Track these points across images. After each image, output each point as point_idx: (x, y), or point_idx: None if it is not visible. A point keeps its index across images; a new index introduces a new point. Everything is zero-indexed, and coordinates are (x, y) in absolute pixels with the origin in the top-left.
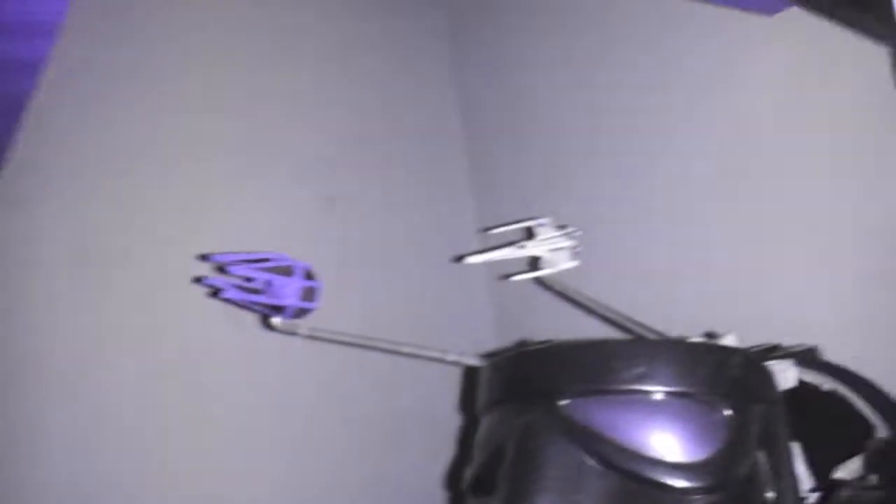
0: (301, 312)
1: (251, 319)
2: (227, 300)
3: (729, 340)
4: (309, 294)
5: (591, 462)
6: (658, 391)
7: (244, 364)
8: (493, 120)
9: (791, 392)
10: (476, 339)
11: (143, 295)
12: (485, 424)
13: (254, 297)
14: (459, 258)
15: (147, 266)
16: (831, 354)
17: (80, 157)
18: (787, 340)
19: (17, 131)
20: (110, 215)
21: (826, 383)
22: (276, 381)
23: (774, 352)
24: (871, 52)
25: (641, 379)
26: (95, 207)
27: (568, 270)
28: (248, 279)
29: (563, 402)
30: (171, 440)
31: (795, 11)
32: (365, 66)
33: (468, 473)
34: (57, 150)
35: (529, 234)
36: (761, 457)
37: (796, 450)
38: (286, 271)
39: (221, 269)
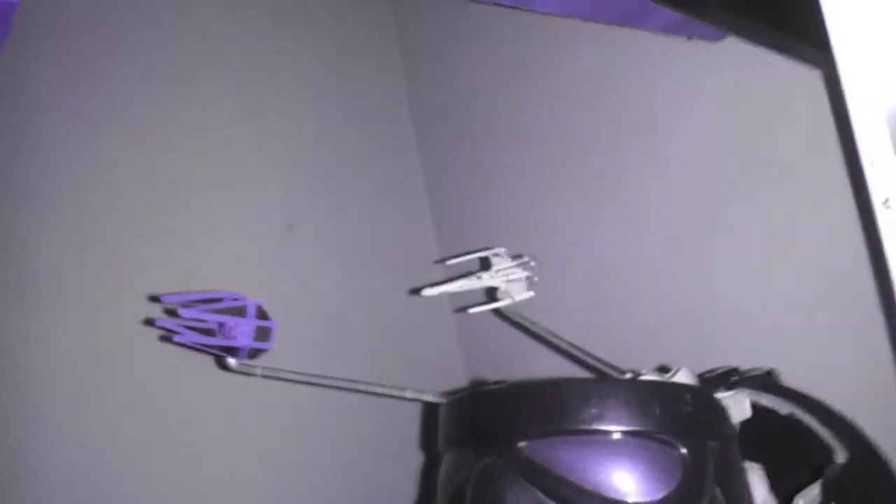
0: (255, 352)
1: (207, 361)
2: (180, 344)
3: (681, 376)
4: (262, 334)
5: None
6: (614, 431)
7: (200, 404)
8: (450, 149)
9: (750, 417)
10: (440, 372)
11: (95, 335)
12: (445, 464)
13: (206, 340)
14: (416, 290)
15: (98, 305)
16: (788, 377)
17: (33, 197)
18: (744, 364)
19: None
20: (59, 250)
21: (784, 407)
22: (234, 421)
23: (732, 376)
24: (806, 75)
25: (597, 419)
26: (48, 244)
27: (525, 301)
28: (200, 321)
29: (521, 444)
30: (123, 483)
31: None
32: (322, 94)
33: None
34: (8, 189)
35: (486, 264)
36: (718, 493)
37: (759, 472)
38: (238, 311)
39: (173, 312)
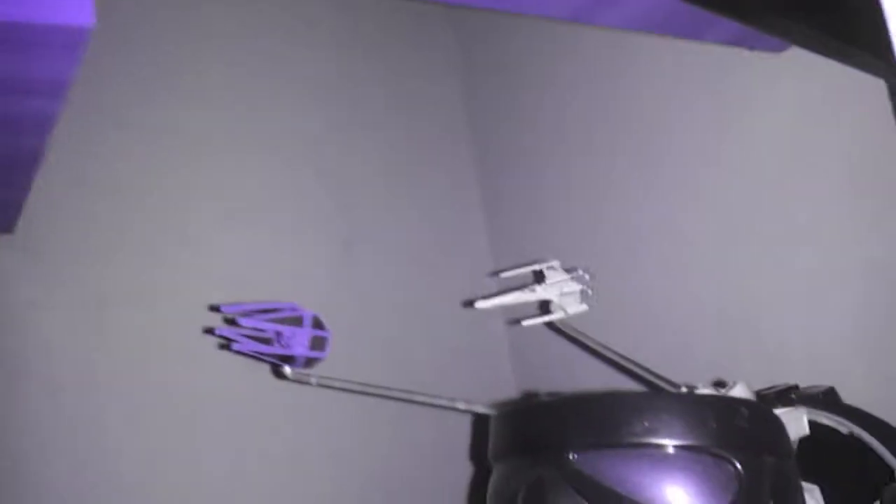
0: (311, 362)
1: (264, 369)
2: (238, 352)
3: (738, 390)
4: (318, 343)
5: None
6: (667, 445)
7: (255, 412)
8: (507, 163)
9: (808, 435)
10: (492, 384)
11: (156, 343)
12: (495, 475)
13: (264, 349)
14: (470, 302)
15: (160, 314)
16: (848, 397)
17: (93, 207)
18: (804, 382)
19: (30, 185)
20: (124, 263)
21: (844, 426)
22: (287, 429)
23: (790, 393)
24: (870, 85)
25: (650, 432)
26: (108, 256)
27: (579, 314)
28: (259, 330)
29: (572, 456)
30: (177, 489)
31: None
32: (380, 113)
33: None
34: (69, 199)
35: (539, 277)
36: None
37: (816, 493)
38: (296, 321)
39: (232, 321)
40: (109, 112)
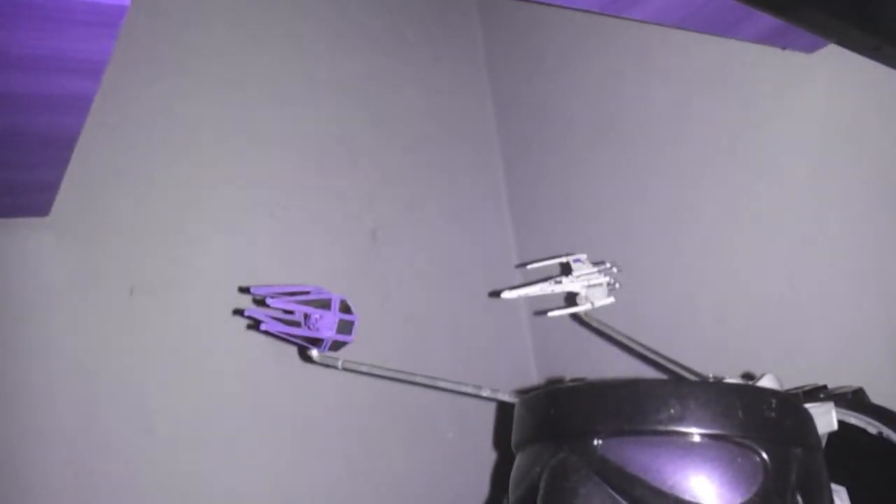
0: (337, 345)
1: (290, 352)
2: (266, 332)
3: (766, 381)
4: (345, 327)
5: (625, 503)
6: (693, 433)
7: (282, 395)
8: (532, 155)
9: (836, 435)
10: (516, 374)
11: (188, 323)
12: (519, 461)
13: (292, 330)
14: (496, 293)
15: (192, 297)
16: (877, 397)
17: (126, 193)
18: (833, 383)
19: (65, 166)
20: (159, 248)
21: (873, 426)
22: (310, 411)
23: (819, 393)
24: None
25: (676, 420)
26: (140, 241)
27: (604, 306)
28: (287, 312)
29: (597, 442)
30: (206, 465)
31: (834, 48)
32: (410, 109)
33: None
34: (103, 185)
35: (566, 269)
36: (800, 502)
37: (843, 494)
38: (324, 304)
39: (261, 302)
40: (145, 101)
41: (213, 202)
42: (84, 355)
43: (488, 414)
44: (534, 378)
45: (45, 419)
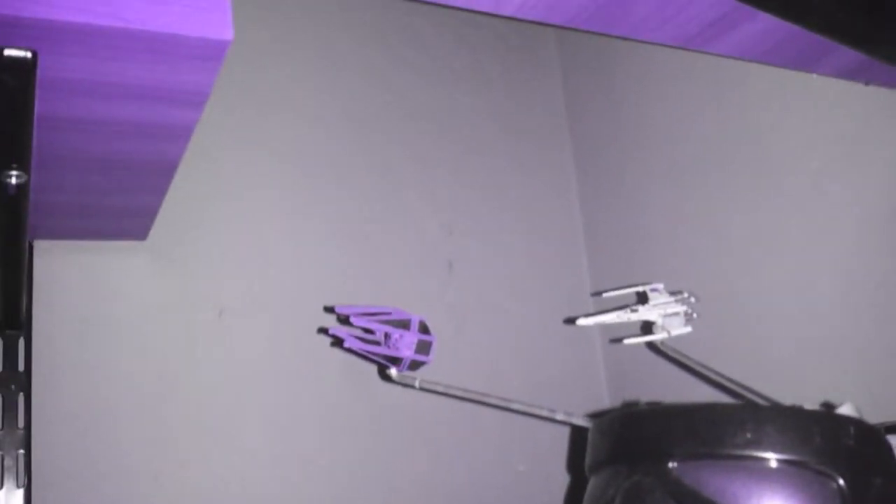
0: (416, 365)
1: (370, 372)
2: (348, 350)
3: (846, 410)
4: (423, 347)
5: None
6: (769, 458)
7: (359, 415)
8: (608, 184)
9: None
10: (588, 402)
11: (274, 341)
12: (592, 485)
13: (372, 349)
14: (571, 320)
15: (272, 317)
16: None
17: (220, 219)
18: None
19: (164, 192)
20: (247, 272)
21: None
22: (388, 432)
23: None
24: None
25: (752, 445)
26: (234, 264)
27: (681, 336)
28: (368, 331)
29: (672, 465)
30: (291, 482)
31: None
32: (487, 141)
33: None
34: (196, 210)
35: (643, 298)
36: None
37: None
38: (403, 324)
39: (345, 321)
40: (236, 129)
41: (296, 229)
42: (174, 374)
43: (561, 445)
44: (607, 406)
45: (134, 436)
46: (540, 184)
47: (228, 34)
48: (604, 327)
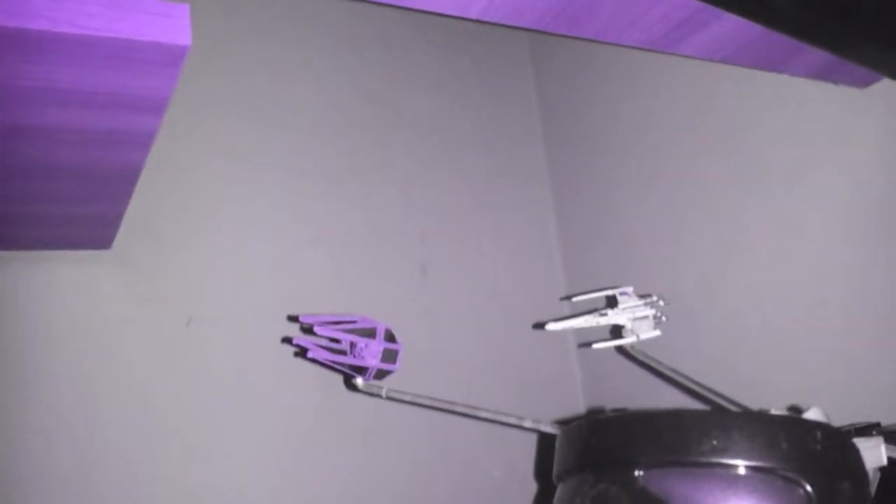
0: (382, 374)
1: (335, 381)
2: (313, 360)
3: (813, 414)
4: (390, 356)
5: None
6: (736, 465)
7: (326, 425)
8: (582, 187)
9: (890, 475)
10: (560, 406)
11: (244, 350)
12: (559, 493)
13: (338, 358)
14: (541, 325)
15: (242, 326)
16: None
17: (187, 227)
18: (889, 419)
19: (127, 200)
20: (215, 280)
21: None
22: (355, 442)
23: (872, 429)
24: None
25: (719, 451)
26: (201, 272)
27: (651, 339)
28: (334, 340)
29: (638, 473)
30: (257, 491)
31: (889, 83)
32: (461, 141)
33: None
34: (163, 219)
35: (612, 302)
36: None
37: None
38: (369, 333)
39: (309, 330)
40: (205, 136)
41: (266, 236)
42: (142, 384)
43: (531, 445)
44: (581, 410)
45: (104, 446)
46: (513, 187)
47: (186, 40)
48: (577, 332)
